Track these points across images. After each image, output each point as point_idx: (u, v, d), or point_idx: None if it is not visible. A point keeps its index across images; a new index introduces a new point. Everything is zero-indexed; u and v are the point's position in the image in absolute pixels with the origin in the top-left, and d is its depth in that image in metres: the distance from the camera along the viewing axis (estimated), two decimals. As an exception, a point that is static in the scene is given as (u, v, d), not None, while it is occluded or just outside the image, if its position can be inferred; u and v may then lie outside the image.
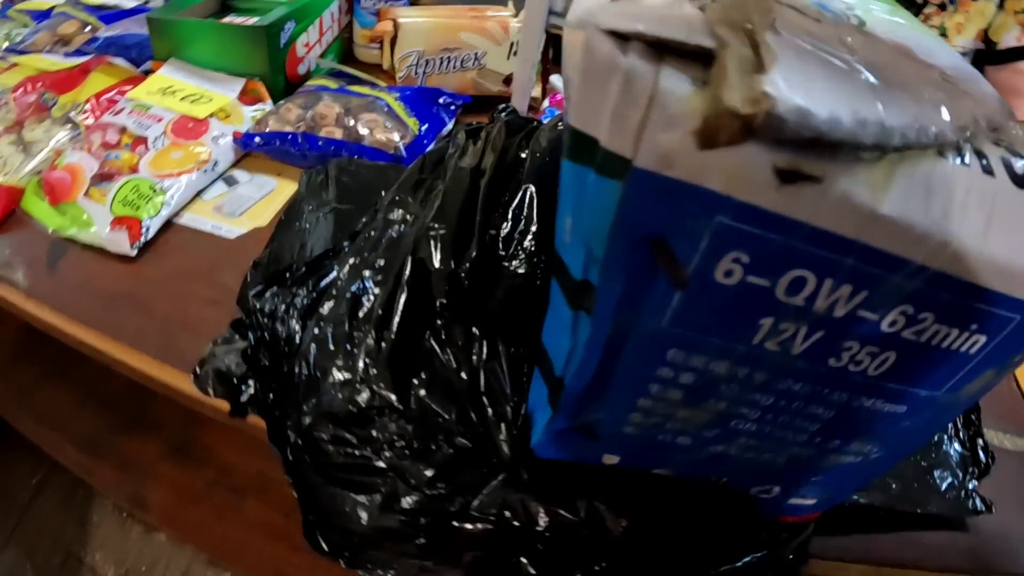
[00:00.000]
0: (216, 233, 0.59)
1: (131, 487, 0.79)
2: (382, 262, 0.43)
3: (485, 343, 0.38)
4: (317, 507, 0.38)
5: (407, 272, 0.40)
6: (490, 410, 0.36)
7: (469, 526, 0.34)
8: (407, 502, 0.35)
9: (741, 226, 0.21)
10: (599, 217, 0.23)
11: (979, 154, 0.23)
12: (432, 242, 0.40)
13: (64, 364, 0.85)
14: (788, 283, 0.23)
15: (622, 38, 0.20)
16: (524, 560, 0.36)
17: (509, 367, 0.37)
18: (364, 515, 0.35)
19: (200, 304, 0.52)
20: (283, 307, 0.44)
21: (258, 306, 0.45)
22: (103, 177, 0.59)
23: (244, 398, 0.41)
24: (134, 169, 0.59)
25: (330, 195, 0.54)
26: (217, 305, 0.51)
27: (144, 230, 0.56)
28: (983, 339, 0.26)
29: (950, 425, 0.54)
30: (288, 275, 0.47)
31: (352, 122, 0.61)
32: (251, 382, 0.42)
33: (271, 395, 0.41)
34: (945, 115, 0.22)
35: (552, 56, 0.73)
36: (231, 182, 0.63)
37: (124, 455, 0.80)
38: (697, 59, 0.20)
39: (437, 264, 0.39)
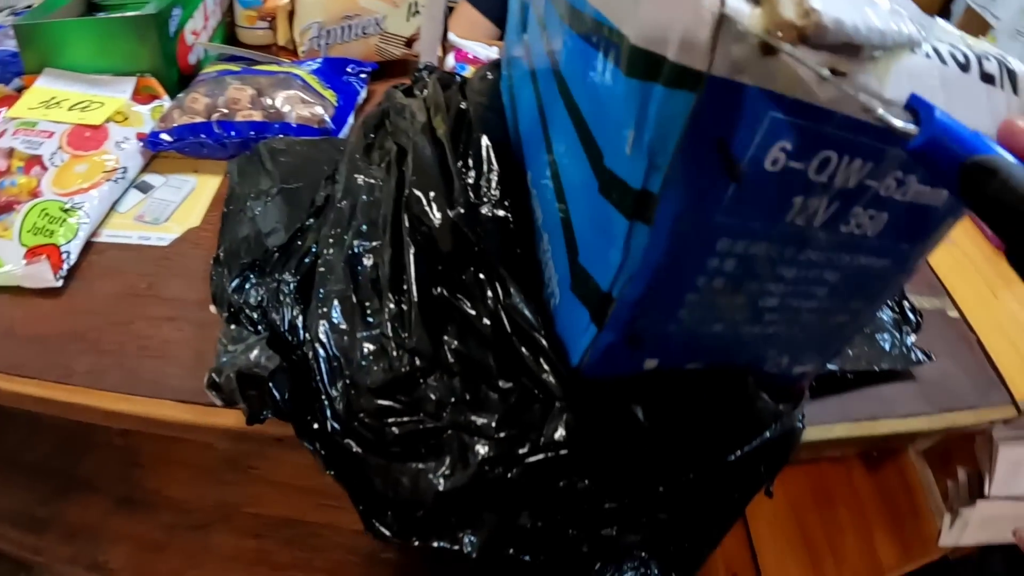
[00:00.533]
0: (146, 243, 0.55)
1: (87, 554, 0.72)
2: (365, 227, 0.42)
3: (497, 284, 0.38)
4: (372, 492, 0.36)
5: (406, 228, 0.39)
6: (523, 348, 0.37)
7: (542, 458, 0.35)
8: (483, 451, 0.35)
9: (789, 118, 0.26)
10: (667, 126, 0.26)
11: (935, 49, 0.28)
12: (424, 197, 0.40)
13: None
14: (818, 164, 0.28)
15: None
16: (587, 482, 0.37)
17: (525, 300, 0.38)
18: (440, 481, 0.35)
19: (155, 324, 0.48)
20: (270, 295, 0.42)
21: (241, 300, 0.42)
22: (1, 209, 0.52)
23: (284, 396, 0.38)
24: (35, 193, 0.54)
25: (273, 177, 0.52)
26: (175, 321, 0.47)
27: (65, 256, 0.51)
28: (947, 192, 0.32)
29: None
30: (258, 263, 0.45)
31: (269, 102, 0.58)
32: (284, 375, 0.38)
33: (286, 393, 0.39)
34: (908, 20, 0.27)
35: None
36: (145, 188, 0.59)
37: (69, 523, 0.74)
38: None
39: (436, 216, 0.39)
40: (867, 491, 0.88)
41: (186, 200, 0.58)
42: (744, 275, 0.32)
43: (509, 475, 0.35)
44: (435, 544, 0.36)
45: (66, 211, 0.53)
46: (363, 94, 0.67)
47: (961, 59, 0.29)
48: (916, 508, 0.89)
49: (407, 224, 0.39)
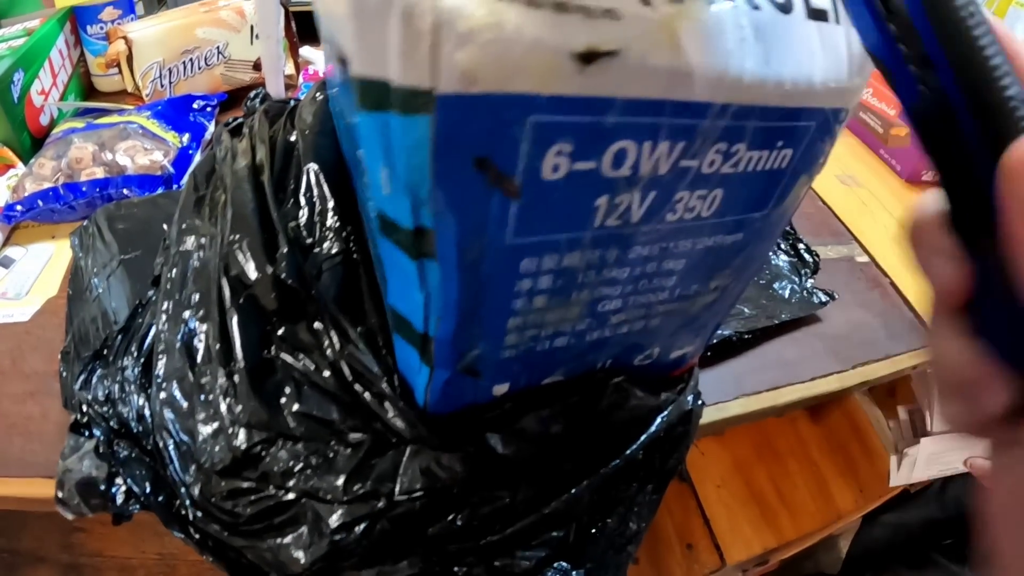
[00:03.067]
0: (10, 321, 0.50)
1: None
2: (197, 296, 0.38)
3: (333, 331, 0.35)
4: (250, 571, 0.34)
5: (227, 294, 0.36)
6: (367, 394, 0.34)
7: (402, 510, 0.32)
8: (334, 519, 0.32)
9: (556, 118, 0.21)
10: (415, 157, 0.22)
11: None
12: (240, 255, 0.36)
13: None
14: (612, 158, 0.23)
15: None
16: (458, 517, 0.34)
17: (367, 345, 0.34)
18: (300, 554, 0.32)
19: (17, 402, 0.45)
20: (116, 387, 0.39)
21: (89, 397, 0.39)
22: None
23: (120, 499, 0.36)
24: None
25: (112, 249, 0.48)
26: (36, 396, 0.45)
27: None
28: (790, 151, 0.28)
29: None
30: (105, 350, 0.41)
31: (110, 156, 0.54)
32: (120, 479, 0.36)
33: (146, 484, 0.36)
34: None
35: (296, 30, 0.67)
36: (7, 263, 0.54)
37: None
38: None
39: (253, 275, 0.36)
40: (814, 438, 0.85)
41: (44, 269, 0.53)
42: (567, 287, 0.29)
43: (371, 533, 0.32)
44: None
45: None
46: (211, 128, 0.62)
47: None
48: (868, 448, 0.86)
49: (227, 288, 0.36)
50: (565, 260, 0.27)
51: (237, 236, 0.36)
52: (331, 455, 0.33)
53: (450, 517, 0.34)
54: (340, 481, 0.32)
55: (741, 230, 0.30)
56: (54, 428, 0.43)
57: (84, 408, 0.38)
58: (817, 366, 0.52)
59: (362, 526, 0.32)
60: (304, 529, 0.32)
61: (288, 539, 0.32)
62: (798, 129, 0.27)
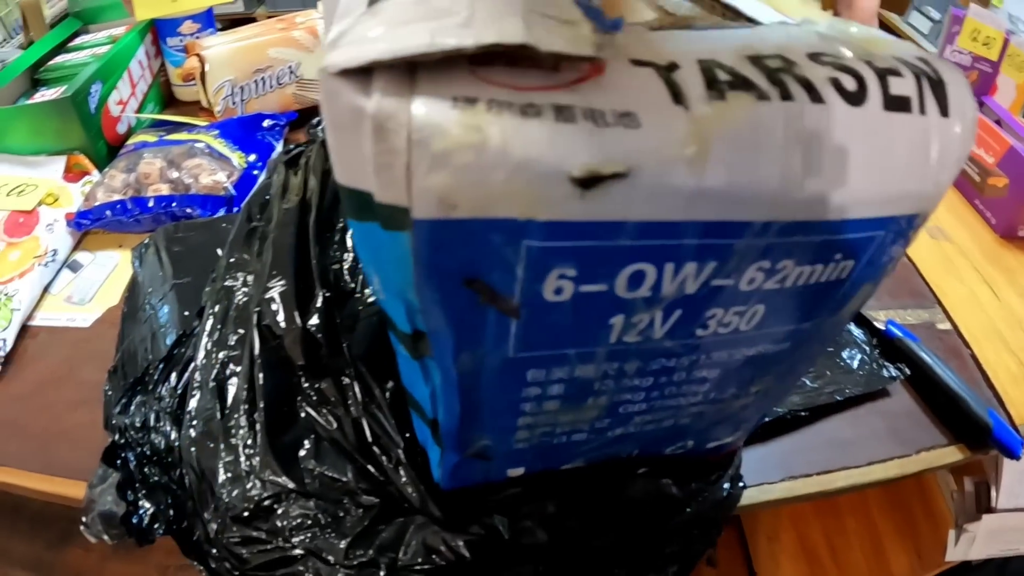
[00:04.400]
0: (71, 325, 0.52)
1: None
2: (234, 339, 0.38)
3: (358, 388, 0.34)
4: None
5: (256, 345, 0.35)
6: (384, 458, 0.33)
7: None
8: None
9: (555, 243, 0.18)
10: (401, 271, 0.19)
11: (804, 83, 0.19)
12: (273, 304, 0.36)
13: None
14: (626, 281, 0.21)
15: (365, 71, 0.16)
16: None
17: (391, 407, 0.34)
18: None
19: (69, 409, 0.46)
20: (152, 415, 0.39)
21: (127, 423, 0.40)
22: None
23: (145, 522, 0.37)
24: None
25: (167, 271, 0.48)
26: (85, 406, 0.46)
27: (1, 344, 0.50)
28: (851, 263, 0.24)
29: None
30: (147, 377, 0.42)
31: (176, 174, 0.55)
32: (146, 506, 0.37)
33: (171, 511, 0.36)
34: (716, 53, 0.19)
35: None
36: (75, 267, 0.56)
37: (70, 566, 0.74)
38: (455, 65, 0.16)
39: (283, 326, 0.35)
40: (876, 494, 0.79)
41: (109, 278, 0.55)
42: (582, 394, 0.26)
43: None
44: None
45: (2, 299, 0.51)
46: (279, 148, 0.62)
47: (851, 85, 0.20)
48: (932, 512, 0.79)
49: (257, 337, 0.36)
50: (577, 371, 0.24)
51: (272, 283, 0.36)
52: (341, 514, 0.33)
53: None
54: (344, 544, 0.32)
55: (788, 340, 0.27)
56: (100, 438, 0.43)
57: (120, 432, 0.39)
58: (876, 449, 0.47)
59: None
60: None
61: None
62: (859, 241, 0.23)
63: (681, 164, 0.18)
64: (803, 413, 0.46)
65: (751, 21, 0.24)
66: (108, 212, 0.55)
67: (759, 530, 0.72)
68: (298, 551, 0.32)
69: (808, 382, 0.48)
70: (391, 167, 0.17)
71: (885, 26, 1.15)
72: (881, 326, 0.52)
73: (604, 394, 0.26)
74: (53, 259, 0.55)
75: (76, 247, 0.58)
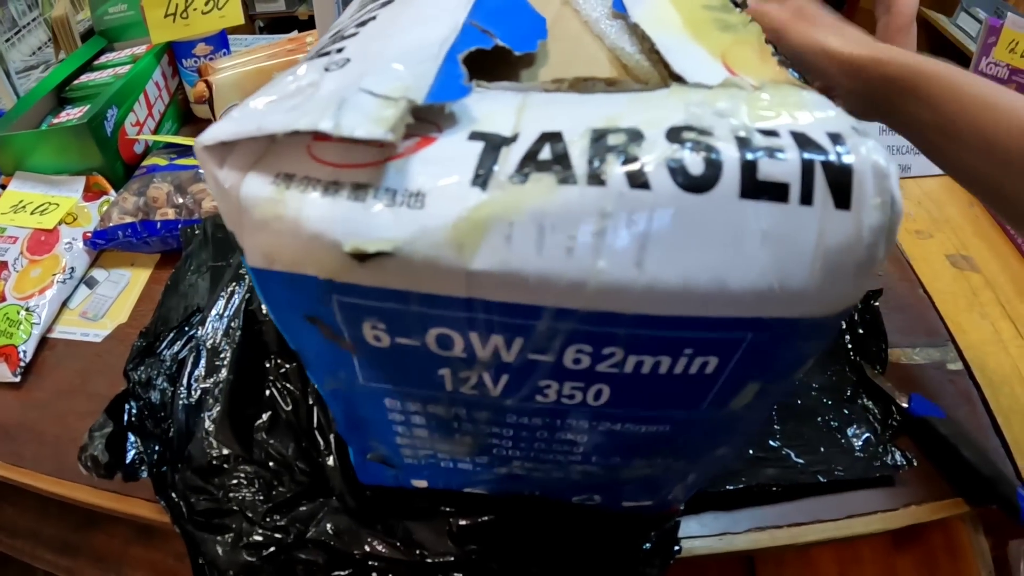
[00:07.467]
0: (86, 340, 0.62)
1: None
2: (235, 322, 0.47)
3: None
4: (197, 552, 0.42)
5: (239, 326, 0.45)
6: (322, 442, 0.42)
7: (304, 555, 0.39)
8: (252, 537, 0.39)
9: (358, 300, 0.22)
10: (263, 300, 0.25)
11: (629, 163, 0.20)
12: None
13: (17, 478, 0.86)
14: (435, 340, 0.24)
15: (230, 144, 0.22)
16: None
17: None
18: (222, 552, 0.39)
19: (80, 418, 0.53)
20: (155, 373, 0.49)
21: (135, 377, 0.49)
22: (-26, 313, 0.66)
23: (134, 461, 0.44)
24: (1, 297, 0.62)
25: (208, 253, 0.58)
26: (93, 417, 0.51)
27: (22, 355, 0.59)
28: (715, 360, 0.24)
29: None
30: (157, 342, 0.51)
31: (181, 199, 0.64)
32: (136, 444, 0.45)
33: (155, 457, 0.45)
34: (572, 123, 0.21)
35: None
36: (92, 284, 0.69)
37: (96, 549, 0.81)
38: (298, 141, 0.21)
39: (265, 314, 0.45)
40: (901, 552, 0.76)
41: (120, 295, 0.66)
42: (447, 429, 0.30)
43: (276, 560, 0.39)
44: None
45: (23, 314, 0.61)
46: None
47: (697, 169, 0.19)
48: (953, 547, 0.77)
49: (242, 321, 0.46)
50: (431, 408, 0.29)
51: None
52: (275, 483, 0.41)
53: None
54: (265, 508, 0.40)
55: (663, 423, 0.28)
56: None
57: (129, 384, 0.49)
58: (858, 499, 0.46)
59: (270, 550, 0.39)
60: (230, 536, 0.40)
61: (219, 539, 0.40)
62: (718, 340, 0.23)
63: (450, 248, 0.20)
64: (774, 489, 0.46)
65: (677, 80, 0.25)
66: (120, 233, 0.66)
67: (769, 562, 0.71)
68: (232, 506, 0.41)
69: (793, 456, 0.48)
70: (233, 223, 0.22)
71: (932, 28, 1.09)
72: (905, 403, 0.51)
73: (468, 434, 0.31)
74: (71, 276, 0.67)
75: (92, 264, 0.69)
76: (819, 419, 0.49)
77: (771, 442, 0.48)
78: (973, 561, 0.68)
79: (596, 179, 0.19)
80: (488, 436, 0.30)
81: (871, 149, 0.20)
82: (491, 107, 0.22)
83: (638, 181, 0.19)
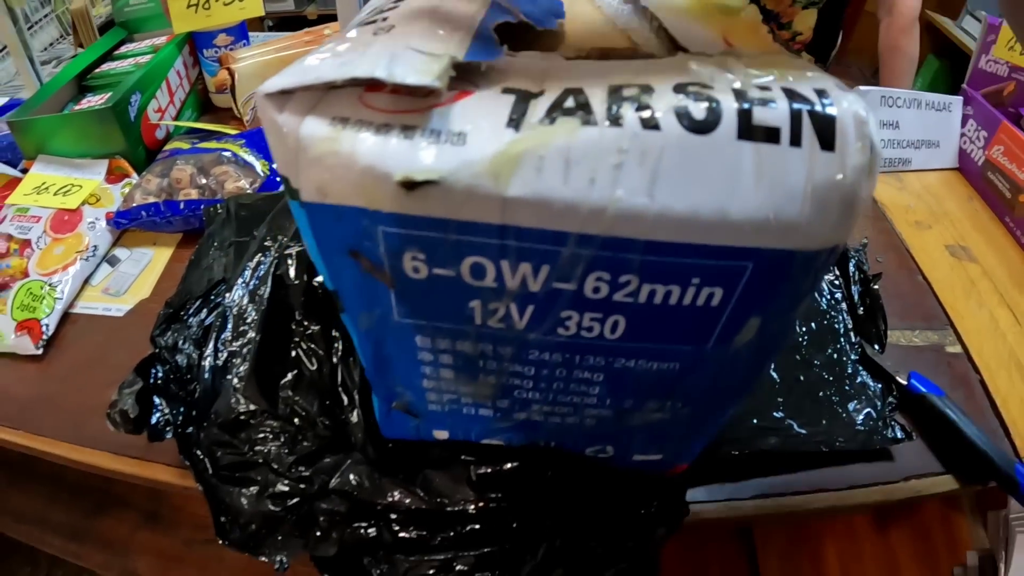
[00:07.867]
0: (107, 314, 0.64)
1: (119, 562, 0.82)
2: (263, 289, 0.49)
3: (341, 343, 0.45)
4: (220, 508, 0.44)
5: (268, 289, 0.48)
6: (345, 399, 0.44)
7: (326, 505, 0.40)
8: (277, 487, 0.41)
9: (401, 230, 0.25)
10: (307, 238, 0.28)
11: (643, 110, 0.23)
12: (289, 260, 0.48)
13: (28, 464, 0.86)
14: (469, 270, 0.26)
15: (289, 93, 0.24)
16: (387, 534, 0.41)
17: (354, 362, 0.44)
18: (246, 503, 0.42)
19: (100, 389, 0.54)
20: (181, 339, 0.51)
21: (162, 342, 0.52)
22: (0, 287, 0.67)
23: (160, 424, 0.46)
24: (25, 273, 0.66)
25: (232, 229, 0.60)
26: (114, 387, 0.52)
27: (44, 328, 0.62)
28: (719, 290, 0.26)
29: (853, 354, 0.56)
30: (183, 310, 0.54)
31: (204, 180, 0.68)
32: (161, 407, 0.47)
33: (180, 418, 0.48)
34: (591, 81, 0.24)
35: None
36: (114, 262, 0.72)
37: (103, 534, 0.84)
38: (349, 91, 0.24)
39: (293, 279, 0.47)
40: (895, 520, 0.78)
41: (142, 273, 0.69)
42: (470, 368, 0.32)
43: (299, 510, 0.41)
44: (261, 558, 0.43)
45: (46, 289, 0.64)
46: None
47: (700, 114, 0.23)
48: (954, 541, 0.78)
49: (271, 283, 0.48)
50: (457, 345, 0.31)
51: (293, 245, 0.50)
52: (299, 437, 0.44)
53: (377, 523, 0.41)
54: (291, 459, 0.42)
55: (674, 360, 0.30)
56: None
57: (157, 348, 0.52)
58: (859, 472, 0.48)
59: (294, 500, 0.41)
60: (255, 488, 0.42)
61: (245, 491, 0.43)
62: (722, 268, 0.25)
63: (488, 178, 0.23)
64: (778, 457, 0.48)
65: (682, 51, 0.28)
66: (143, 213, 0.70)
67: (770, 551, 0.73)
68: (257, 459, 0.43)
69: (795, 426, 0.50)
70: (290, 163, 0.25)
71: (937, 31, 1.11)
72: (903, 380, 0.54)
73: (492, 373, 0.33)
74: (94, 254, 0.70)
75: (115, 243, 0.70)
76: (821, 394, 0.51)
77: (775, 413, 0.50)
78: (967, 538, 0.70)
79: (614, 121, 0.23)
80: (511, 376, 0.32)
81: (852, 101, 0.23)
82: (520, 69, 0.26)
83: (650, 123, 0.23)
